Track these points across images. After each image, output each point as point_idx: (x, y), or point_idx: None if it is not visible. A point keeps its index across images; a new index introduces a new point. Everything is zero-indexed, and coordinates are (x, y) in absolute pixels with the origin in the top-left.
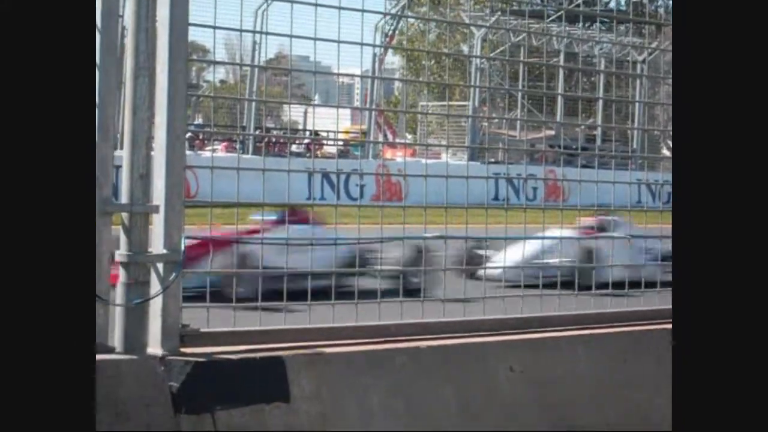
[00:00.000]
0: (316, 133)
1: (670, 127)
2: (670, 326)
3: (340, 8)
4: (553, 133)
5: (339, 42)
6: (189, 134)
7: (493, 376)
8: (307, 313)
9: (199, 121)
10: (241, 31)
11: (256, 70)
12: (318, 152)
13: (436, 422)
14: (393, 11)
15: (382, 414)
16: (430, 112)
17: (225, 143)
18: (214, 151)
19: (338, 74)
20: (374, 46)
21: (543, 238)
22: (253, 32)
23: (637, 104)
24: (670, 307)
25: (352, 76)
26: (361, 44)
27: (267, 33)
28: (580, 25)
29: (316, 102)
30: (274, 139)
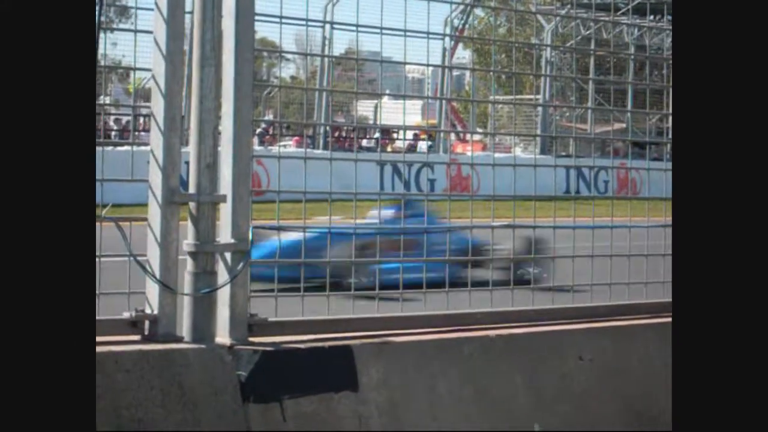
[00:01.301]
0: (386, 127)
1: None
2: None
3: None
4: (624, 125)
5: (406, 32)
6: (259, 129)
7: (564, 364)
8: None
9: (269, 116)
10: (307, 23)
11: (327, 64)
12: (388, 147)
13: (506, 410)
14: (461, 4)
15: (450, 402)
16: (498, 101)
17: (296, 138)
18: (285, 146)
19: (406, 63)
20: (443, 35)
21: (612, 227)
22: (322, 22)
23: None
24: None
25: (421, 65)
26: (428, 35)
27: (333, 24)
28: (650, 17)
29: (387, 97)
30: (344, 134)
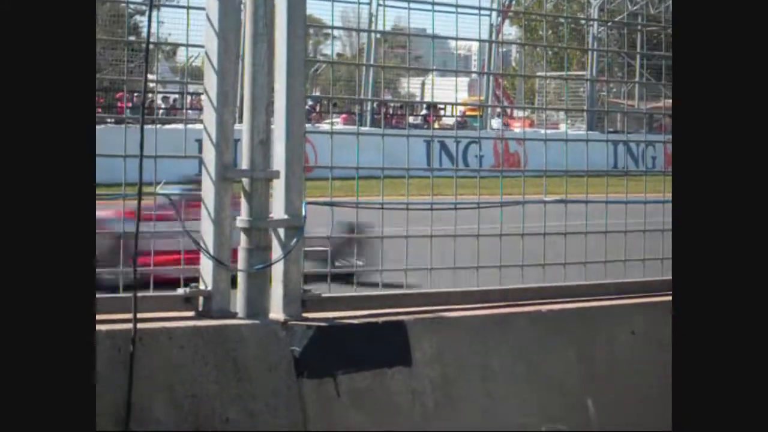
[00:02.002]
0: (434, 106)
1: None
2: None
3: None
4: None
5: (457, 6)
6: (306, 107)
7: (615, 339)
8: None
9: (317, 93)
10: (359, 1)
11: (374, 41)
12: (436, 124)
13: (558, 386)
14: None
15: (503, 377)
16: (546, 75)
17: (344, 116)
18: (333, 124)
19: (456, 38)
20: (491, 10)
21: (663, 202)
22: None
23: None
24: None
25: (470, 39)
26: (479, 9)
27: (383, 0)
28: None
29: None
30: (392, 111)
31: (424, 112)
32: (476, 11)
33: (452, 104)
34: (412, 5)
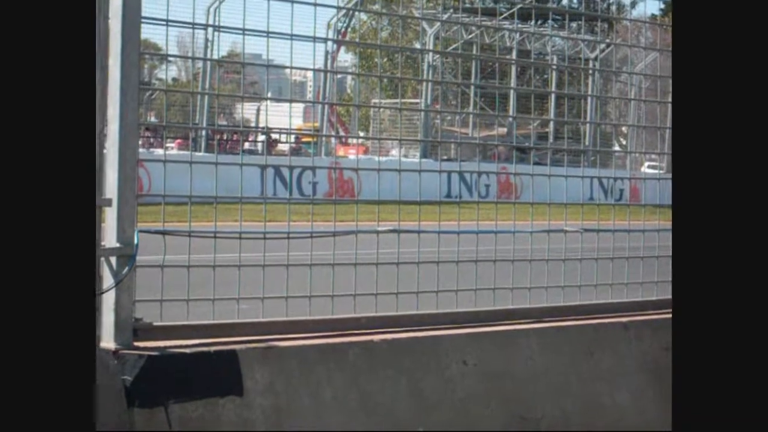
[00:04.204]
0: (269, 130)
1: (624, 124)
2: (625, 320)
3: (293, 1)
4: (505, 130)
5: (292, 35)
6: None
7: (447, 369)
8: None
9: (152, 119)
10: (193, 26)
11: (209, 67)
12: (271, 150)
13: (390, 416)
14: (345, 9)
15: (335, 407)
16: (382, 106)
17: (178, 141)
18: (167, 149)
19: (292, 67)
20: (326, 40)
21: (495, 232)
22: (206, 26)
23: (589, 101)
24: (626, 300)
25: (306, 69)
26: (314, 38)
27: (220, 27)
28: (533, 22)
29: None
30: (226, 137)
31: (261, 138)
32: (311, 38)
33: (288, 132)
34: (248, 32)
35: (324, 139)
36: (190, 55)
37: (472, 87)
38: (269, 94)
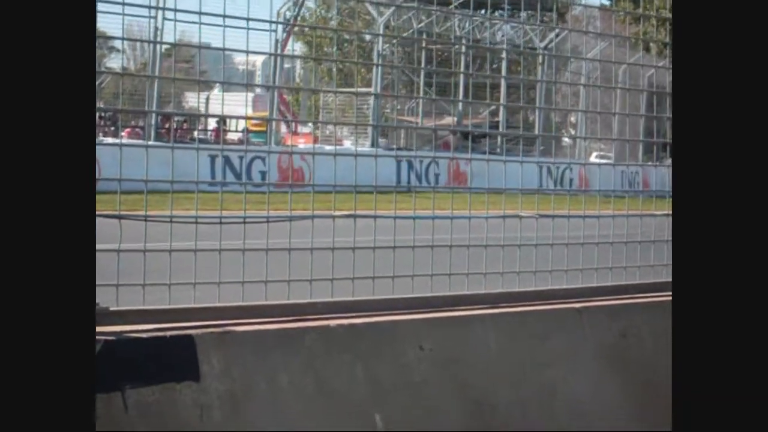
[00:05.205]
0: (225, 117)
1: (572, 113)
2: (579, 305)
3: None
4: (455, 119)
5: (249, 20)
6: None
7: (403, 354)
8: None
9: (101, 106)
10: (149, 8)
11: (159, 55)
12: (219, 140)
13: (346, 401)
14: None
15: (292, 392)
16: (334, 90)
17: (128, 130)
18: (120, 136)
19: (247, 51)
20: (278, 23)
21: (451, 218)
22: (155, 7)
23: (538, 89)
24: (580, 286)
25: (260, 53)
26: (270, 22)
27: (175, 11)
28: (484, 11)
29: (217, 89)
30: (176, 126)
31: (212, 126)
32: (263, 25)
33: (241, 118)
34: (202, 16)
35: (273, 128)
36: (138, 44)
37: (422, 76)
38: (224, 80)
